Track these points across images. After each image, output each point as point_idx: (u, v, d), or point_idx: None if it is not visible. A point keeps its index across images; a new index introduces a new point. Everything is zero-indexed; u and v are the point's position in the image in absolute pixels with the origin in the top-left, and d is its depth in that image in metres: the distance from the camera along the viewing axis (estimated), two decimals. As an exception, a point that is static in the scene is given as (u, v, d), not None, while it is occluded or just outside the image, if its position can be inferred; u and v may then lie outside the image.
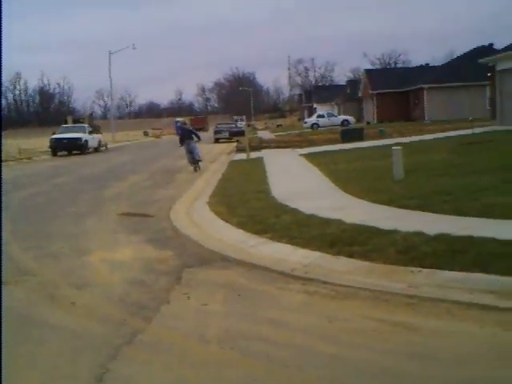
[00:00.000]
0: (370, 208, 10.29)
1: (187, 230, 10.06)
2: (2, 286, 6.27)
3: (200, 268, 7.60)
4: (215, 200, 12.69)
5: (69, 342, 5.13)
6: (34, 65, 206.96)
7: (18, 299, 6.59)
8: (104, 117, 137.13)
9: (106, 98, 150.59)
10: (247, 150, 26.27)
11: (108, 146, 47.46)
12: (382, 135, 33.18)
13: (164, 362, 4.61)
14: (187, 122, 28.32)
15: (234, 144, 37.99)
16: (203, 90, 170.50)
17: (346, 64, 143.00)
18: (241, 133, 41.33)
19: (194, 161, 22.59)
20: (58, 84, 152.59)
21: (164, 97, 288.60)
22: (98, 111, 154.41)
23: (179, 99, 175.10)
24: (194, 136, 22.85)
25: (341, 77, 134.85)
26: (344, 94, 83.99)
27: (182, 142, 23.06)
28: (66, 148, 40.19)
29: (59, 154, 40.01)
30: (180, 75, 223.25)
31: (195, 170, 22.29)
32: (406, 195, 10.78)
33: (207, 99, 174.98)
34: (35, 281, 7.43)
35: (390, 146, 18.18)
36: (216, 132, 52.73)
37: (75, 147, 39.96)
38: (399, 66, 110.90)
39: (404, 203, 10.03)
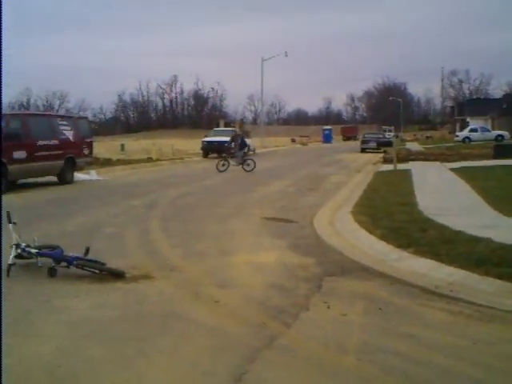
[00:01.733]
0: (523, 228, 9.78)
1: (329, 238, 10.06)
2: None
3: (341, 277, 7.56)
4: (359, 210, 12.57)
5: (210, 340, 5.26)
6: (191, 69, 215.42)
7: (164, 294, 6.89)
8: (254, 122, 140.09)
9: (256, 104, 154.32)
10: (394, 161, 25.80)
11: (256, 151, 48.42)
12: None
13: (302, 369, 4.63)
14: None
15: (381, 154, 37.47)
16: (352, 98, 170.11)
17: (502, 77, 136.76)
18: (388, 143, 40.79)
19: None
20: (212, 88, 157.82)
21: (312, 104, 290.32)
22: (249, 116, 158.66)
23: (327, 107, 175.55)
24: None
25: (497, 90, 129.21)
26: (499, 108, 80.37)
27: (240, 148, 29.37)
28: (216, 150, 41.48)
29: (210, 155, 41.40)
30: (330, 84, 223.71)
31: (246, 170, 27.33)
32: None
33: (356, 108, 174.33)
34: (181, 277, 7.71)
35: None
36: (363, 142, 52.29)
37: (224, 150, 41.14)
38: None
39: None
